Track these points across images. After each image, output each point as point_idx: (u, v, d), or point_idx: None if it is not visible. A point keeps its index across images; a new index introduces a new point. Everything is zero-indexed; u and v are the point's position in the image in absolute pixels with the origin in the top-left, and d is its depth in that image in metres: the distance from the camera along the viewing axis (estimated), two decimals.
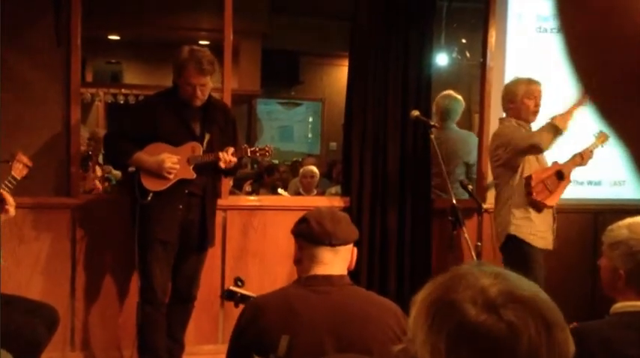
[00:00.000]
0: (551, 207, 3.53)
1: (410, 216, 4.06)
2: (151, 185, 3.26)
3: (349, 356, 1.67)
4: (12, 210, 2.99)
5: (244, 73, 8.34)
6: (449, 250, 3.71)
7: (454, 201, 3.36)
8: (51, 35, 3.65)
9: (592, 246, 4.24)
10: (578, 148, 3.72)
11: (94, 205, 3.79)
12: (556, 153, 3.71)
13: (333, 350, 1.69)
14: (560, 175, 3.58)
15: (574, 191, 4.18)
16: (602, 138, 3.64)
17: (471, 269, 0.93)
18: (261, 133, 9.50)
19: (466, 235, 3.27)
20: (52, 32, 3.64)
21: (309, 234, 1.84)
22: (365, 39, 4.04)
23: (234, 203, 4.02)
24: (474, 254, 3.33)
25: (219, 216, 3.77)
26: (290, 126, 9.74)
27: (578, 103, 3.39)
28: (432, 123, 3.66)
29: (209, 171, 3.37)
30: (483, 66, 4.34)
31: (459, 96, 4.48)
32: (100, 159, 5.16)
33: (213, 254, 3.72)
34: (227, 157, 3.27)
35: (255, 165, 7.65)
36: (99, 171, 5.26)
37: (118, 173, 4.76)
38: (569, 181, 3.64)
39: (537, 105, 3.55)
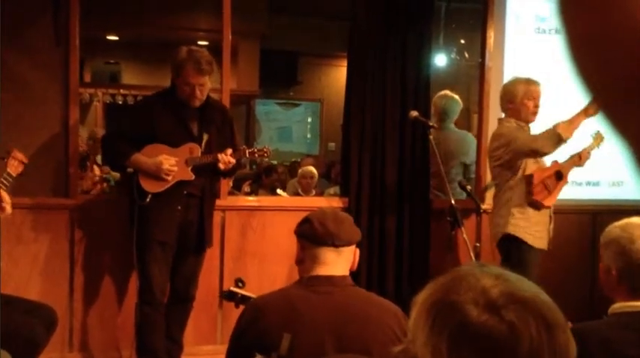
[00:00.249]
0: (549, 207, 3.53)
1: (408, 216, 4.07)
2: (150, 186, 3.26)
3: (349, 357, 1.67)
4: (8, 208, 2.98)
5: (243, 74, 8.34)
6: (447, 251, 3.71)
7: (452, 202, 3.36)
8: (49, 35, 3.64)
9: (590, 246, 4.24)
10: (577, 148, 3.72)
11: (92, 206, 3.79)
12: (554, 153, 3.72)
13: (334, 351, 1.69)
14: (559, 175, 3.58)
15: (572, 191, 4.19)
16: (598, 139, 3.65)
17: (472, 270, 0.93)
18: (259, 134, 9.50)
19: (465, 236, 3.27)
20: (50, 32, 3.64)
21: (312, 235, 1.84)
22: (363, 39, 4.04)
23: (233, 203, 4.02)
24: (472, 254, 3.33)
25: (217, 216, 3.77)
26: (289, 127, 9.75)
27: (585, 113, 3.37)
28: (431, 124, 3.66)
29: (207, 172, 3.37)
30: (482, 66, 4.34)
31: (457, 97, 4.48)
32: (99, 159, 5.16)
33: (211, 254, 3.72)
34: (226, 158, 3.27)
35: (254, 166, 7.65)
36: (97, 171, 5.26)
37: (116, 174, 4.76)
38: (567, 182, 3.64)
39: (537, 106, 3.55)
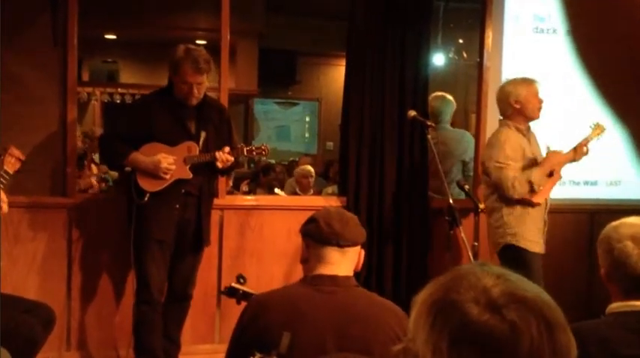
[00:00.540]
0: (538, 204, 3.50)
1: (407, 216, 4.07)
2: (148, 185, 3.26)
3: (349, 356, 1.68)
4: (5, 207, 2.98)
5: (241, 73, 8.34)
6: (446, 250, 3.71)
7: (451, 201, 3.36)
8: (47, 34, 3.64)
9: (588, 245, 4.25)
10: (573, 142, 3.69)
11: (90, 205, 3.78)
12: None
13: (335, 350, 1.70)
14: (550, 172, 3.56)
15: (570, 191, 4.20)
16: (598, 129, 3.57)
17: (473, 269, 0.93)
18: (258, 133, 9.50)
19: (463, 235, 3.27)
20: (48, 31, 3.63)
21: (318, 234, 1.85)
22: (362, 39, 4.04)
23: (231, 202, 4.02)
24: (470, 254, 3.33)
25: (216, 215, 3.77)
26: (287, 126, 9.75)
27: (554, 164, 3.48)
28: (429, 124, 3.66)
29: (205, 171, 3.36)
30: (480, 66, 4.34)
31: (450, 97, 4.48)
32: (96, 158, 5.16)
33: (210, 253, 3.72)
34: (223, 156, 3.27)
35: (253, 165, 7.65)
36: (95, 170, 5.25)
37: (114, 173, 4.76)
38: (560, 177, 3.61)
39: (541, 102, 3.56)
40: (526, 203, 3.46)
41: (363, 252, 1.94)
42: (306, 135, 9.86)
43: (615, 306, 1.77)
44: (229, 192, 4.43)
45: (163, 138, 3.28)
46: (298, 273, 3.77)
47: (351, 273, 1.88)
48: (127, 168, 3.31)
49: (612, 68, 0.45)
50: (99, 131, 6.34)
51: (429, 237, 4.11)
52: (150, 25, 7.67)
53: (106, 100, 8.36)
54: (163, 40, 6.71)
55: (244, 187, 6.13)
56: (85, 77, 8.62)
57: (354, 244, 1.88)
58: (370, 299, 1.87)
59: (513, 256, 3.43)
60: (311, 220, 1.90)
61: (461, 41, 7.47)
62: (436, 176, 3.83)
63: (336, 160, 5.37)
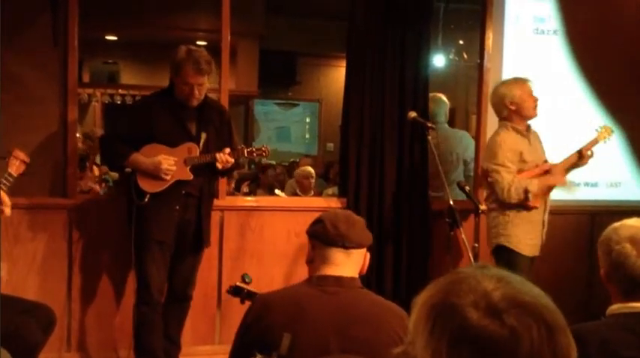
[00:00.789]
0: (536, 207, 3.51)
1: (407, 217, 4.07)
2: (148, 186, 3.26)
3: (352, 357, 1.68)
4: (7, 211, 2.98)
5: (241, 74, 8.34)
6: (446, 251, 3.71)
7: (451, 202, 3.36)
8: (48, 35, 3.64)
9: (588, 247, 4.24)
10: (573, 143, 3.70)
11: (90, 206, 3.78)
12: (552, 151, 3.72)
13: (338, 351, 1.70)
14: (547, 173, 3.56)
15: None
16: (605, 132, 3.55)
17: (473, 272, 0.92)
18: (258, 134, 9.50)
19: (463, 236, 3.27)
20: (49, 32, 3.64)
21: (323, 235, 1.87)
22: (362, 39, 4.05)
23: (232, 203, 4.02)
24: (471, 255, 3.33)
25: (216, 216, 3.77)
26: (287, 127, 9.74)
27: (553, 180, 3.50)
28: (430, 124, 3.66)
29: (206, 172, 3.36)
30: (480, 67, 4.35)
31: (443, 97, 4.49)
32: (98, 159, 5.16)
33: (210, 254, 3.72)
34: (224, 158, 3.27)
35: (253, 166, 7.66)
36: (96, 171, 5.26)
37: (115, 174, 4.76)
38: (563, 182, 3.62)
39: (536, 100, 3.57)
40: (522, 206, 3.47)
41: (368, 255, 1.95)
42: (307, 136, 9.85)
43: (615, 308, 1.77)
44: (231, 194, 4.43)
45: (164, 139, 3.28)
46: (299, 274, 3.78)
47: (356, 275, 1.89)
48: (128, 169, 3.31)
49: (608, 69, 0.45)
50: (99, 132, 6.33)
51: (429, 238, 4.11)
52: (150, 25, 7.67)
53: (106, 101, 8.36)
54: (164, 41, 6.71)
55: (245, 188, 6.13)
56: (86, 78, 8.62)
57: (360, 246, 1.89)
58: (374, 301, 1.87)
59: (504, 257, 3.48)
60: (318, 221, 1.92)
61: (461, 42, 7.48)
62: (437, 177, 3.84)
63: (337, 161, 5.37)
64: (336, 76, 8.70)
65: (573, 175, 3.85)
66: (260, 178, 6.65)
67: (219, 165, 3.28)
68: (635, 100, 0.44)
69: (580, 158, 3.62)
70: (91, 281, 3.74)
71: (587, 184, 4.38)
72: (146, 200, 3.24)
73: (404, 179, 4.08)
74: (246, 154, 3.45)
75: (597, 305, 1.98)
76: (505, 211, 3.50)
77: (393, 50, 4.06)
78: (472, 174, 4.38)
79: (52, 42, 3.65)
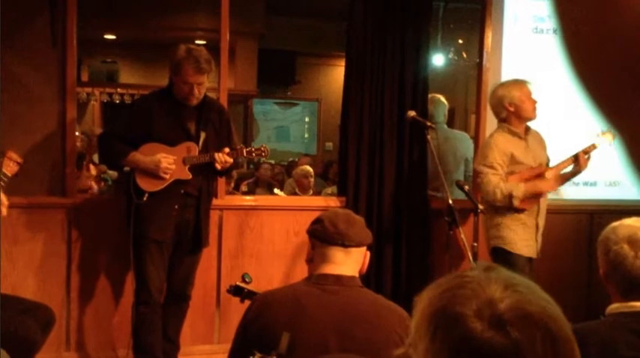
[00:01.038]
0: (524, 209, 3.50)
1: (406, 216, 4.07)
2: (147, 185, 3.25)
3: (352, 357, 1.68)
4: (4, 210, 2.98)
5: (240, 73, 8.33)
6: (445, 250, 3.72)
7: (450, 202, 3.37)
8: (47, 35, 3.63)
9: (587, 246, 4.25)
10: (573, 143, 3.69)
11: (89, 205, 3.78)
12: (551, 154, 3.72)
13: (337, 350, 1.70)
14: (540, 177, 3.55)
15: (570, 191, 4.19)
16: (606, 137, 3.53)
17: (478, 276, 0.89)
18: (257, 133, 9.49)
19: (462, 236, 3.27)
20: (47, 32, 3.63)
21: (323, 234, 1.87)
22: (361, 39, 4.04)
23: (230, 203, 4.02)
24: (470, 254, 3.33)
25: (215, 215, 3.76)
26: (286, 127, 9.74)
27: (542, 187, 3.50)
28: (429, 124, 3.66)
29: (204, 172, 3.36)
30: (480, 66, 4.34)
31: (442, 97, 4.49)
32: (95, 158, 5.15)
33: (209, 254, 3.72)
34: (222, 158, 3.27)
35: (252, 166, 7.65)
36: (93, 170, 5.24)
37: (113, 173, 4.75)
38: (554, 189, 3.62)
39: (536, 102, 3.57)
40: (512, 208, 3.48)
41: (368, 254, 1.95)
42: (306, 135, 9.85)
43: (615, 307, 1.77)
44: (229, 193, 4.42)
45: (163, 138, 3.28)
46: (297, 273, 3.78)
47: (356, 274, 1.89)
48: (126, 168, 3.31)
49: (605, 71, 0.44)
50: (98, 131, 6.32)
51: (429, 237, 4.11)
52: (149, 25, 7.66)
53: (105, 101, 8.35)
54: (163, 41, 6.71)
55: (244, 187, 6.13)
56: (85, 77, 8.60)
57: (359, 245, 1.89)
58: (374, 300, 1.87)
59: (501, 258, 3.48)
60: (317, 220, 1.92)
61: (460, 41, 7.47)
62: (436, 176, 3.84)
63: (336, 161, 5.37)
64: (336, 75, 8.70)
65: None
66: (256, 176, 6.65)
67: (217, 166, 3.27)
68: (632, 104, 0.44)
69: (576, 163, 3.60)
70: (90, 281, 3.74)
71: (586, 183, 4.38)
72: (145, 199, 3.24)
73: (403, 178, 4.08)
74: (245, 154, 3.45)
75: (597, 304, 1.98)
76: (499, 213, 3.51)
77: (393, 49, 4.06)
78: (472, 173, 4.38)
79: (51, 41, 3.64)
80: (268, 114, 9.69)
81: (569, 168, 3.64)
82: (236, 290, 2.28)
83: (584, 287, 4.29)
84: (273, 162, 7.63)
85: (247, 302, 2.01)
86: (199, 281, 3.60)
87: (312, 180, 5.71)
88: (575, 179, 4.18)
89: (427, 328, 0.87)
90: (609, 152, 3.59)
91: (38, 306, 3.01)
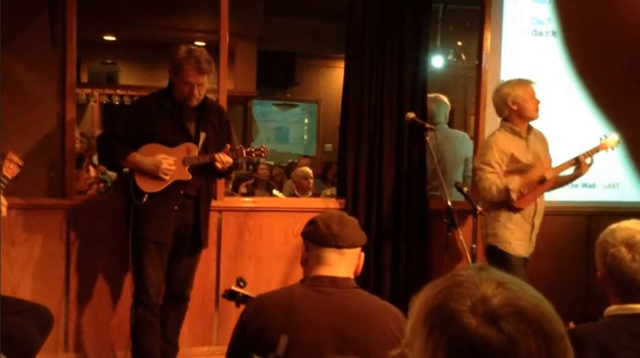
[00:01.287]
0: (520, 208, 3.50)
1: (405, 218, 4.07)
2: (146, 186, 3.25)
3: None
4: (4, 210, 2.98)
5: (240, 75, 8.33)
6: (444, 251, 3.72)
7: (449, 203, 3.37)
8: (46, 36, 3.64)
9: (585, 248, 4.25)
10: (572, 143, 3.69)
11: (88, 206, 3.78)
12: (552, 155, 3.72)
13: (333, 351, 1.70)
14: (541, 181, 3.55)
15: (568, 193, 4.20)
16: (609, 142, 3.52)
17: (472, 275, 0.91)
18: (256, 134, 9.49)
19: (461, 237, 3.27)
20: (47, 33, 3.63)
21: (316, 236, 1.87)
22: (360, 41, 4.05)
23: (230, 204, 4.02)
24: (468, 256, 3.33)
25: (214, 217, 3.76)
26: (285, 128, 9.74)
27: (538, 182, 3.49)
28: (428, 126, 3.66)
29: (204, 173, 3.36)
30: (479, 68, 4.35)
31: (444, 98, 4.50)
32: (95, 159, 5.15)
33: (208, 255, 3.72)
34: (223, 158, 3.27)
35: (251, 166, 7.65)
36: (92, 172, 5.24)
37: (113, 174, 4.75)
38: (549, 188, 3.62)
39: (539, 102, 3.57)
40: (509, 206, 3.48)
41: (363, 255, 1.95)
42: (305, 136, 9.85)
43: (613, 309, 1.77)
44: (229, 194, 4.43)
45: (162, 139, 3.28)
46: (296, 275, 3.76)
47: (350, 275, 1.89)
48: (126, 169, 3.31)
49: (607, 73, 0.45)
50: (97, 132, 6.32)
51: (428, 238, 4.12)
52: (149, 26, 7.66)
53: (104, 102, 8.35)
54: (163, 42, 6.71)
55: (243, 189, 6.13)
56: (84, 78, 8.60)
57: (353, 246, 1.89)
58: (369, 301, 1.87)
59: (495, 257, 3.50)
60: (311, 222, 1.93)
61: (460, 43, 7.48)
62: (435, 177, 3.85)
63: (335, 162, 5.38)
64: (335, 76, 8.70)
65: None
66: (254, 177, 6.66)
67: (218, 165, 3.27)
68: (634, 105, 0.44)
69: (577, 166, 3.60)
70: (89, 282, 3.74)
71: (584, 185, 4.39)
72: (144, 200, 3.24)
73: (402, 180, 4.08)
74: (245, 154, 3.45)
75: (595, 306, 1.98)
76: (495, 212, 3.52)
77: (392, 51, 4.06)
78: (471, 174, 4.39)
79: (51, 42, 3.64)
80: (268, 115, 9.69)
81: (570, 171, 3.64)
82: (230, 295, 2.28)
83: (582, 288, 4.29)
84: (272, 163, 7.63)
85: (243, 307, 2.01)
86: (198, 283, 3.60)
87: (311, 181, 5.71)
88: (574, 181, 4.18)
89: (423, 326, 0.89)
90: (608, 154, 3.59)
91: (37, 307, 3.01)
